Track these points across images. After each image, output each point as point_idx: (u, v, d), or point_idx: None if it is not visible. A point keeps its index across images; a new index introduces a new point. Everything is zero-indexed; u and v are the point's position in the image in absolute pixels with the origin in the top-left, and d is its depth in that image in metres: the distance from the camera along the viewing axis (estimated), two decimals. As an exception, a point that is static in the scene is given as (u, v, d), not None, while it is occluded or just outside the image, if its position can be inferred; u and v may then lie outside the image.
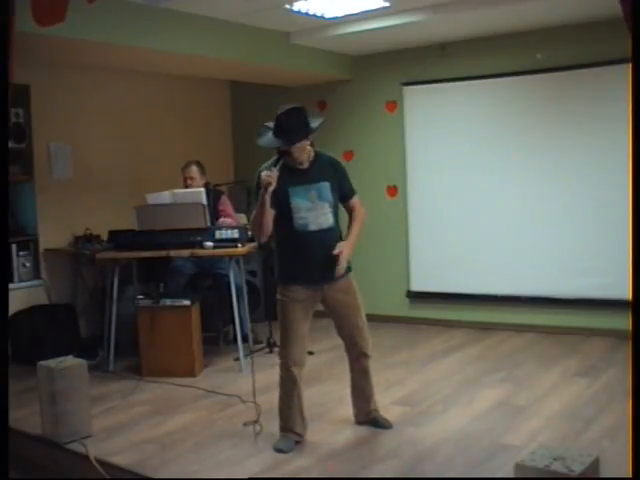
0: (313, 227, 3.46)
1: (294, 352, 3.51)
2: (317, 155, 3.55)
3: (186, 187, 5.50)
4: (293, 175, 3.43)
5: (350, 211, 3.66)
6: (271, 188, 3.29)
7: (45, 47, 4.65)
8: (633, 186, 2.16)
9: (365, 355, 3.71)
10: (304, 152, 3.47)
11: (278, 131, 3.37)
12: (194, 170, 5.54)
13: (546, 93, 5.76)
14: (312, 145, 3.54)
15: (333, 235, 3.53)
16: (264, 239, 3.50)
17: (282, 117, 3.36)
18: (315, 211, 3.45)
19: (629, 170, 2.37)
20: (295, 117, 3.37)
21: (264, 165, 3.46)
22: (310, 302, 3.54)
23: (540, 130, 5.79)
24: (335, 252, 3.43)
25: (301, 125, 3.38)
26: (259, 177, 3.38)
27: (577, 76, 5.60)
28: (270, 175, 3.28)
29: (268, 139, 3.42)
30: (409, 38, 5.93)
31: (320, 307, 3.64)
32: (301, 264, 3.49)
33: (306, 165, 3.50)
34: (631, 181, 2.20)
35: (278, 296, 3.56)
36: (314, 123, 3.44)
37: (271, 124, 3.44)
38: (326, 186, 3.49)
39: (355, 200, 3.66)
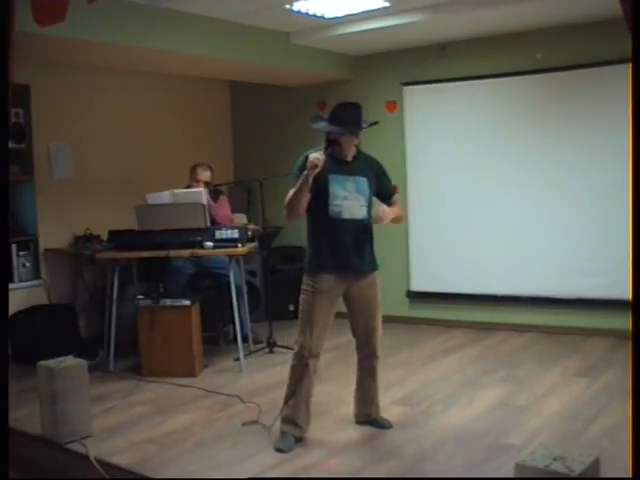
0: (346, 215, 3.52)
1: (312, 342, 3.50)
2: (359, 152, 3.67)
3: (193, 187, 5.50)
4: (335, 164, 3.51)
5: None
6: (317, 170, 3.34)
7: (45, 47, 4.65)
8: (633, 186, 2.16)
9: (376, 355, 3.73)
10: (351, 146, 3.58)
11: (334, 120, 3.49)
12: (209, 175, 5.60)
13: (546, 93, 5.76)
14: (358, 143, 3.65)
15: (364, 227, 3.60)
16: (296, 219, 3.54)
17: (341, 108, 3.51)
18: (350, 201, 3.53)
19: (629, 170, 2.37)
20: (351, 111, 3.52)
21: (310, 150, 3.52)
22: (335, 294, 3.56)
23: (540, 130, 5.79)
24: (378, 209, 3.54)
25: (357, 120, 3.53)
26: (305, 159, 3.43)
27: (577, 76, 5.60)
28: (319, 158, 3.35)
29: (322, 125, 3.55)
30: (409, 38, 5.93)
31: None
32: (332, 251, 3.52)
33: (349, 159, 3.60)
34: (631, 181, 2.20)
35: (303, 286, 3.57)
36: (364, 124, 3.59)
37: (324, 115, 3.61)
38: (364, 181, 3.58)
39: (395, 198, 3.78)
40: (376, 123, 3.69)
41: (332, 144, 3.50)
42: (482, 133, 6.06)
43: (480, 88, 6.04)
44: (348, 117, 3.49)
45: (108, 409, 4.26)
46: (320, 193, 3.49)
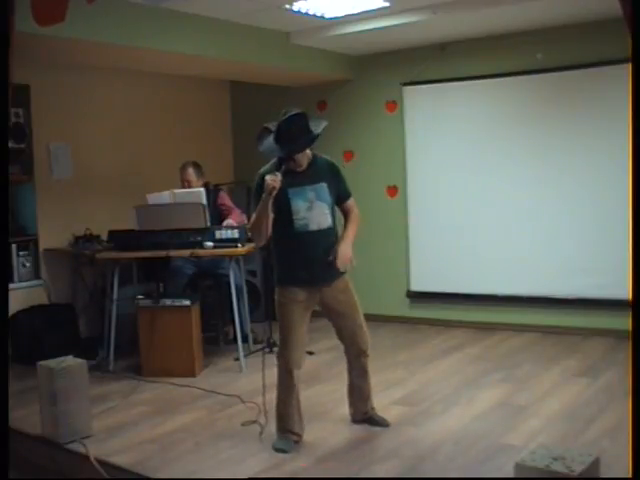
0: (313, 227, 3.47)
1: (293, 353, 3.51)
2: (314, 157, 3.58)
3: (184, 188, 5.49)
4: (291, 176, 3.43)
5: (346, 213, 3.69)
6: (275, 192, 3.30)
7: (45, 47, 4.65)
8: (633, 186, 2.16)
9: (365, 354, 3.72)
10: (305, 156, 3.50)
11: (280, 138, 3.36)
12: (190, 172, 5.51)
13: (546, 93, 5.76)
14: (311, 148, 3.55)
15: (331, 235, 3.56)
16: (263, 242, 3.50)
17: (283, 124, 3.35)
18: (314, 211, 3.47)
19: (629, 170, 2.37)
20: (297, 124, 3.35)
21: (264, 168, 3.48)
22: (309, 303, 3.55)
23: (540, 130, 5.79)
24: (330, 259, 3.46)
25: (303, 132, 3.37)
26: (261, 180, 3.38)
27: (577, 76, 5.60)
28: (275, 179, 3.29)
29: (269, 145, 3.40)
30: (409, 38, 5.93)
31: (317, 307, 3.64)
32: (301, 264, 3.49)
33: (304, 167, 3.51)
34: (631, 181, 2.20)
35: (277, 297, 3.56)
36: (316, 127, 3.42)
37: (271, 125, 3.44)
38: (324, 187, 3.51)
39: (351, 202, 3.68)
40: (325, 126, 3.47)
41: (285, 160, 3.39)
42: (482, 133, 6.06)
43: (480, 88, 6.04)
44: (296, 131, 3.33)
45: (108, 409, 4.26)
46: (283, 210, 3.44)
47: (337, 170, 3.63)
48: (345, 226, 3.65)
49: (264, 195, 3.32)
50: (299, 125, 3.36)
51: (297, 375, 3.55)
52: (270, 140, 3.41)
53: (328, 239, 3.53)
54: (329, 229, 3.53)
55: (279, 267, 3.59)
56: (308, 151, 3.52)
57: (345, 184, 3.65)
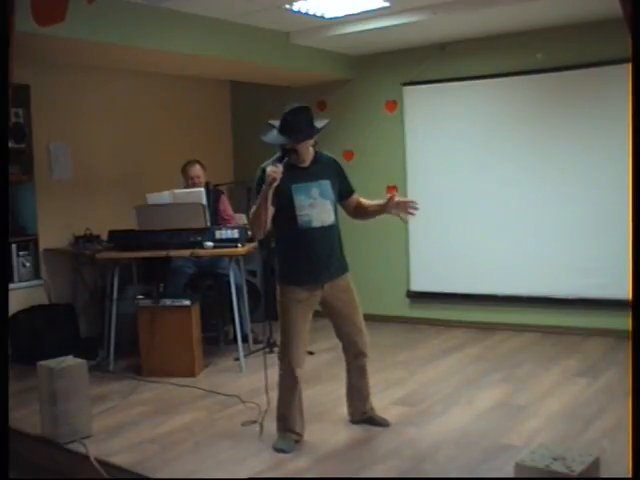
0: (316, 224, 3.47)
1: (295, 353, 3.50)
2: (317, 154, 3.58)
3: (190, 186, 5.49)
4: (295, 173, 3.44)
5: (354, 206, 3.69)
6: (275, 184, 3.30)
7: (45, 47, 4.65)
8: (633, 186, 2.16)
9: (363, 354, 3.72)
10: (308, 150, 3.50)
11: (284, 129, 3.39)
12: (198, 169, 5.57)
13: (546, 93, 5.76)
14: (315, 145, 3.57)
15: (334, 232, 3.57)
16: (261, 235, 3.49)
17: (289, 115, 3.39)
18: (317, 208, 3.47)
19: (629, 170, 2.37)
20: (302, 116, 3.40)
21: (267, 162, 3.47)
22: (311, 302, 3.54)
23: (540, 130, 5.79)
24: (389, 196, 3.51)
25: (307, 124, 3.42)
26: (262, 173, 3.38)
27: (577, 76, 5.60)
28: (275, 170, 3.29)
29: (273, 136, 3.45)
30: (409, 38, 5.93)
31: (318, 307, 3.64)
32: (304, 262, 3.49)
33: (308, 164, 3.52)
34: (631, 181, 2.20)
35: (278, 297, 3.55)
36: (319, 124, 3.47)
37: (275, 122, 3.47)
38: (327, 184, 3.52)
39: (356, 196, 3.71)
40: (328, 123, 3.54)
41: (288, 152, 3.41)
42: (482, 133, 6.06)
43: (480, 88, 6.04)
44: (300, 122, 3.38)
45: (108, 409, 4.26)
46: (286, 205, 3.44)
47: (340, 167, 3.65)
48: (368, 203, 3.68)
49: (264, 186, 3.32)
50: (304, 117, 3.41)
51: (299, 374, 3.54)
52: (274, 133, 3.44)
53: (331, 236, 3.53)
54: (332, 226, 3.54)
55: (281, 264, 3.59)
56: (311, 148, 3.53)
57: (348, 180, 3.68)
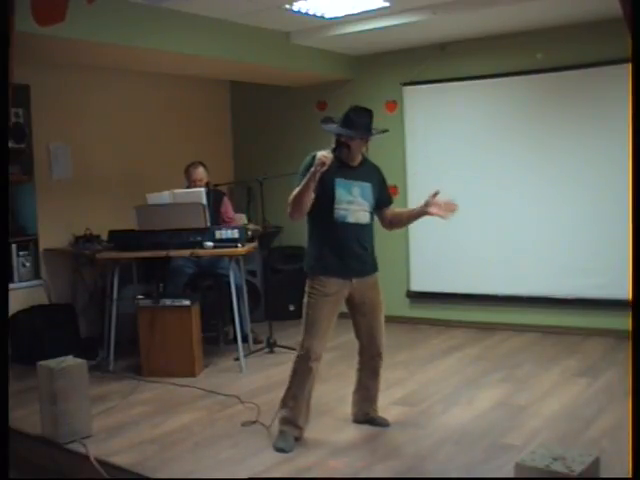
0: (351, 220, 3.53)
1: (316, 346, 3.50)
2: (364, 159, 3.67)
3: (193, 187, 5.49)
4: (341, 169, 3.51)
5: (390, 217, 3.75)
6: (324, 168, 3.32)
7: (45, 47, 4.65)
8: (633, 186, 2.16)
9: (380, 355, 3.73)
10: (359, 151, 3.58)
11: (347, 122, 3.48)
12: (202, 171, 5.60)
13: (546, 93, 5.77)
14: (366, 150, 3.67)
15: (368, 232, 3.63)
16: (300, 217, 3.50)
17: (353, 112, 3.50)
18: (355, 205, 3.54)
19: (629, 170, 2.37)
20: (365, 116, 3.52)
21: (318, 151, 3.49)
22: (338, 298, 3.56)
23: (540, 130, 5.79)
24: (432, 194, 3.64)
25: (368, 125, 3.54)
26: (312, 159, 3.40)
27: (577, 76, 5.60)
28: (327, 156, 3.33)
29: (333, 127, 3.54)
30: (409, 38, 5.93)
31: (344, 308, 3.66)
32: (336, 254, 3.52)
33: (355, 164, 3.60)
34: (631, 181, 2.20)
35: (307, 289, 3.56)
36: (374, 131, 3.58)
37: (334, 117, 3.59)
38: (368, 187, 3.59)
39: (393, 207, 3.80)
40: (386, 131, 3.70)
41: (341, 147, 3.49)
42: (482, 133, 6.06)
43: (480, 88, 6.04)
44: (360, 121, 3.50)
45: (108, 409, 4.26)
46: (325, 196, 3.48)
47: (383, 176, 3.75)
48: (403, 210, 3.87)
49: (312, 169, 3.34)
50: (367, 118, 3.53)
51: (316, 368, 3.53)
52: (334, 126, 3.53)
53: (364, 234, 3.59)
54: (367, 225, 3.61)
55: (312, 255, 3.61)
56: (363, 150, 3.62)
57: (388, 191, 3.79)
